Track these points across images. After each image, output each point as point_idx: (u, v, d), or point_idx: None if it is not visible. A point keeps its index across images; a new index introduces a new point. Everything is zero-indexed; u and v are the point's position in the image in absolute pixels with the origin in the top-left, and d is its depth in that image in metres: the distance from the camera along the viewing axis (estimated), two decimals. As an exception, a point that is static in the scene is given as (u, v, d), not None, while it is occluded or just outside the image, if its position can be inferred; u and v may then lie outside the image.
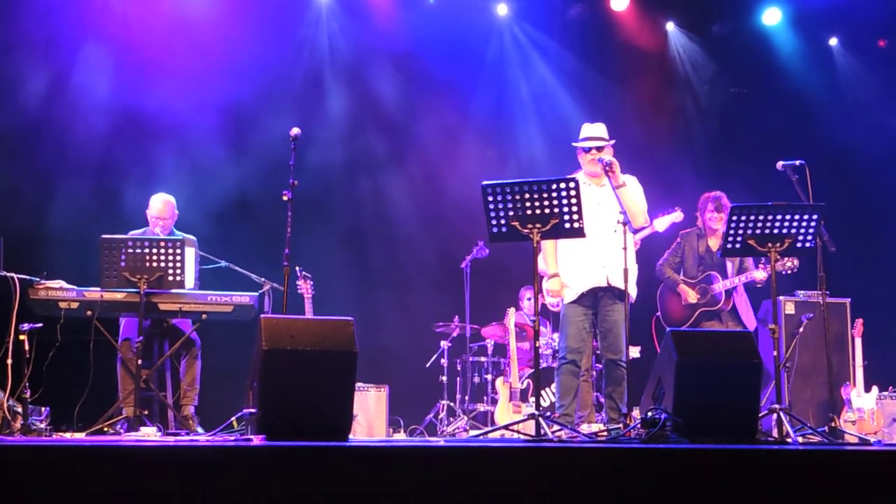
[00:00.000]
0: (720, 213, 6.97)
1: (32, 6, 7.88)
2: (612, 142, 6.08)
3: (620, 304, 5.86)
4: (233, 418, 5.11)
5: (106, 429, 5.72)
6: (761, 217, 5.31)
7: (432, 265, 8.84)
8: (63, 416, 6.00)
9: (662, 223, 7.13)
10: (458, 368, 8.19)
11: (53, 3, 7.88)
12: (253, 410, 4.51)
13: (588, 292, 5.95)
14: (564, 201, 5.11)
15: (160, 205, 6.63)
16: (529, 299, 8.22)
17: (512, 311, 8.00)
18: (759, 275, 6.88)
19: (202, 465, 3.43)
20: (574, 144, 6.16)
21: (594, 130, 6.13)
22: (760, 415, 5.02)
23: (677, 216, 7.20)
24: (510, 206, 5.11)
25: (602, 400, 6.35)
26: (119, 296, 5.92)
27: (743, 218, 5.32)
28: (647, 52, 9.70)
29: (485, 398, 7.99)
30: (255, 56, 8.46)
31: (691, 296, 7.05)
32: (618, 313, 5.89)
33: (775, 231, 5.33)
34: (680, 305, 7.14)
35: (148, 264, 5.78)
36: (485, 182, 5.14)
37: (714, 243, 7.10)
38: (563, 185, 5.11)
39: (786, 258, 6.61)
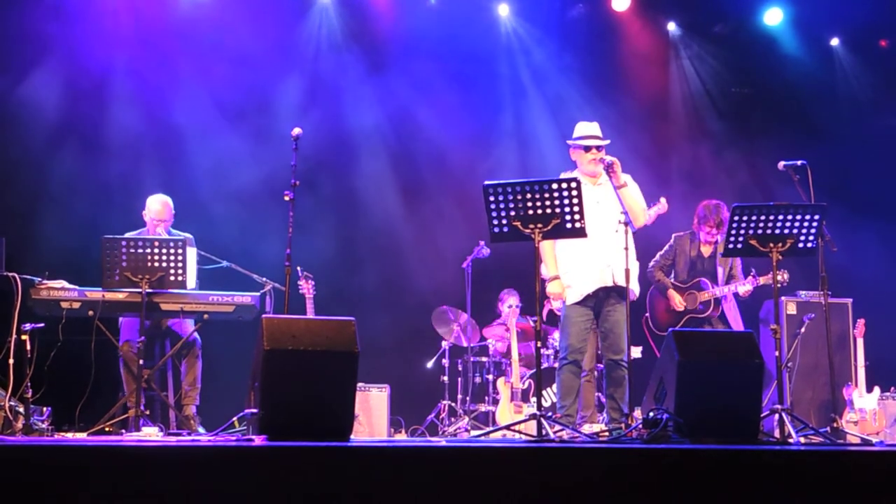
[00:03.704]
0: (719, 229, 6.95)
1: (34, 4, 7.88)
2: (608, 141, 6.07)
3: (622, 304, 5.85)
4: (234, 418, 5.11)
5: (108, 429, 5.72)
6: (763, 217, 5.30)
7: (433, 265, 8.83)
8: (65, 416, 6.00)
9: (649, 218, 7.03)
10: (460, 369, 8.18)
11: (55, 1, 7.89)
12: (254, 410, 4.51)
13: (593, 293, 5.94)
14: (566, 201, 5.10)
15: (158, 206, 6.61)
16: (510, 306, 8.17)
17: (512, 309, 7.98)
18: (743, 288, 6.89)
19: (204, 466, 3.43)
20: (572, 142, 6.09)
21: (591, 129, 6.08)
22: (762, 415, 5.02)
23: (662, 207, 7.13)
24: (511, 205, 5.11)
25: (604, 400, 6.34)
26: (120, 296, 5.92)
27: (745, 218, 5.31)
28: (649, 53, 9.69)
29: (486, 398, 7.98)
30: (256, 57, 8.46)
31: (678, 302, 7.06)
32: (619, 313, 5.88)
33: (777, 231, 5.32)
34: (667, 309, 7.14)
35: (149, 264, 5.78)
36: (486, 182, 5.13)
37: (707, 250, 7.11)
38: (564, 185, 5.11)
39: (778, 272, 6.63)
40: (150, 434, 5.33)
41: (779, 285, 6.66)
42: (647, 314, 7.30)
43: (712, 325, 7.00)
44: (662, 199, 7.19)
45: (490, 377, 8.00)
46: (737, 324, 7.09)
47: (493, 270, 8.46)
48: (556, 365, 6.13)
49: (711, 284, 7.02)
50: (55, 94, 7.94)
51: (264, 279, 6.61)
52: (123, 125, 8.11)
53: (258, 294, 6.28)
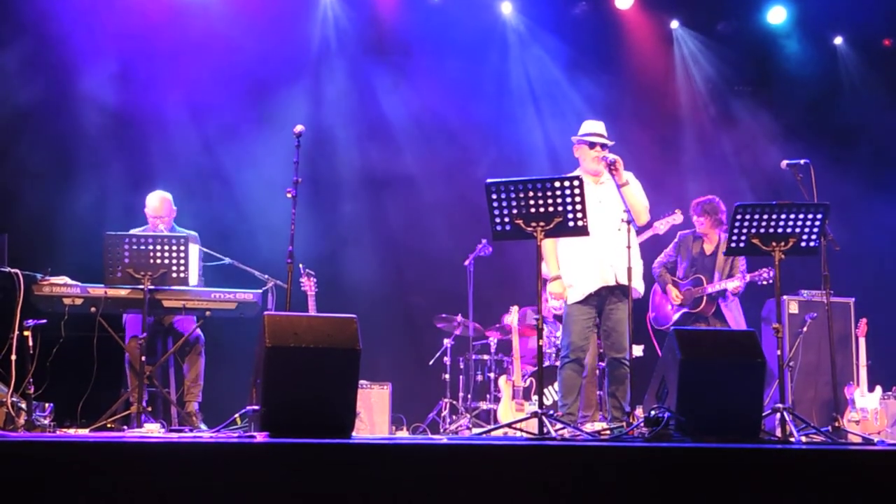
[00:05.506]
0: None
1: (32, 2, 7.87)
2: (612, 143, 6.08)
3: (624, 303, 5.85)
4: (236, 415, 5.12)
5: (110, 425, 5.73)
6: (765, 216, 5.29)
7: (436, 263, 8.83)
8: (67, 412, 6.02)
9: (663, 225, 7.15)
10: (461, 366, 8.18)
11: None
12: (256, 407, 4.51)
13: (595, 292, 5.93)
14: (568, 199, 5.10)
15: (156, 202, 6.63)
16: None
17: (515, 308, 7.99)
18: (732, 284, 6.95)
19: (205, 462, 3.44)
20: (578, 138, 6.08)
21: (597, 127, 6.10)
22: (764, 414, 5.02)
23: (677, 218, 7.21)
24: (514, 204, 5.11)
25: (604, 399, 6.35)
26: (123, 292, 5.93)
27: (747, 217, 5.31)
28: (652, 51, 9.68)
29: (488, 396, 7.98)
30: (258, 55, 8.46)
31: (675, 297, 7.12)
32: (621, 311, 5.88)
33: (779, 230, 5.32)
34: (667, 305, 7.20)
35: (152, 261, 5.79)
36: (489, 180, 5.14)
37: (709, 248, 7.15)
38: (566, 184, 5.10)
39: (763, 269, 6.70)
40: (152, 431, 5.34)
41: (765, 282, 6.72)
42: (652, 312, 7.32)
43: (708, 322, 7.02)
44: (678, 211, 7.22)
45: (492, 375, 8.00)
46: (738, 324, 7.09)
47: (495, 269, 8.46)
48: (558, 363, 6.13)
49: (706, 281, 7.05)
50: (60, 95, 7.94)
51: (266, 276, 6.61)
52: (127, 123, 8.11)
53: (260, 291, 6.28)
